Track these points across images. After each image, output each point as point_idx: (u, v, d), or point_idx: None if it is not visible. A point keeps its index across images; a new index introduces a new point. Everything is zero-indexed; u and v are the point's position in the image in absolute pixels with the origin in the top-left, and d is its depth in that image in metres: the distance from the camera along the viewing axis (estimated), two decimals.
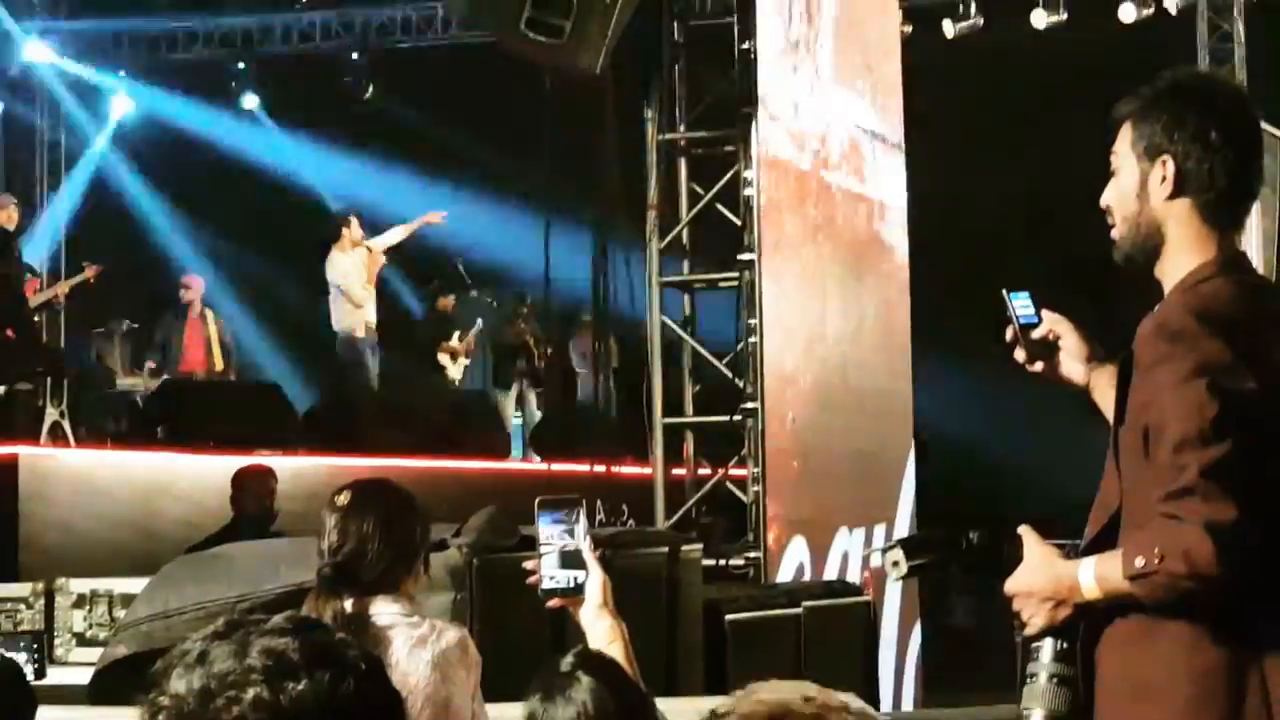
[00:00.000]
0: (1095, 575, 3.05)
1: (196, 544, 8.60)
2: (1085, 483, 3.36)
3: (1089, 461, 3.46)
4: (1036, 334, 3.47)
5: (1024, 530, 3.20)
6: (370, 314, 13.99)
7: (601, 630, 3.17)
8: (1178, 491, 2.92)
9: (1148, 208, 3.20)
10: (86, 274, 13.69)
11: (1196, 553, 2.88)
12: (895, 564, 3.33)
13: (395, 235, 14.42)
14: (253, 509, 9.04)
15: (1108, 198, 3.27)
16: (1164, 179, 3.18)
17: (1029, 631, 3.17)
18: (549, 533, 3.18)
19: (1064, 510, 3.54)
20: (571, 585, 3.17)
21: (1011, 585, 3.17)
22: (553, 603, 3.22)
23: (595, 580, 3.17)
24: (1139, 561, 2.94)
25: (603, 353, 12.30)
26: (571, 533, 3.17)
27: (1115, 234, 3.27)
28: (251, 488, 9.14)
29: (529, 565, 3.21)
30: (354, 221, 14.06)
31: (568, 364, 15.91)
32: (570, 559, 3.17)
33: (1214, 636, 3.01)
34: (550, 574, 3.18)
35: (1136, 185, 3.21)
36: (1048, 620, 3.13)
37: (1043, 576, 3.13)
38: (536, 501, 3.21)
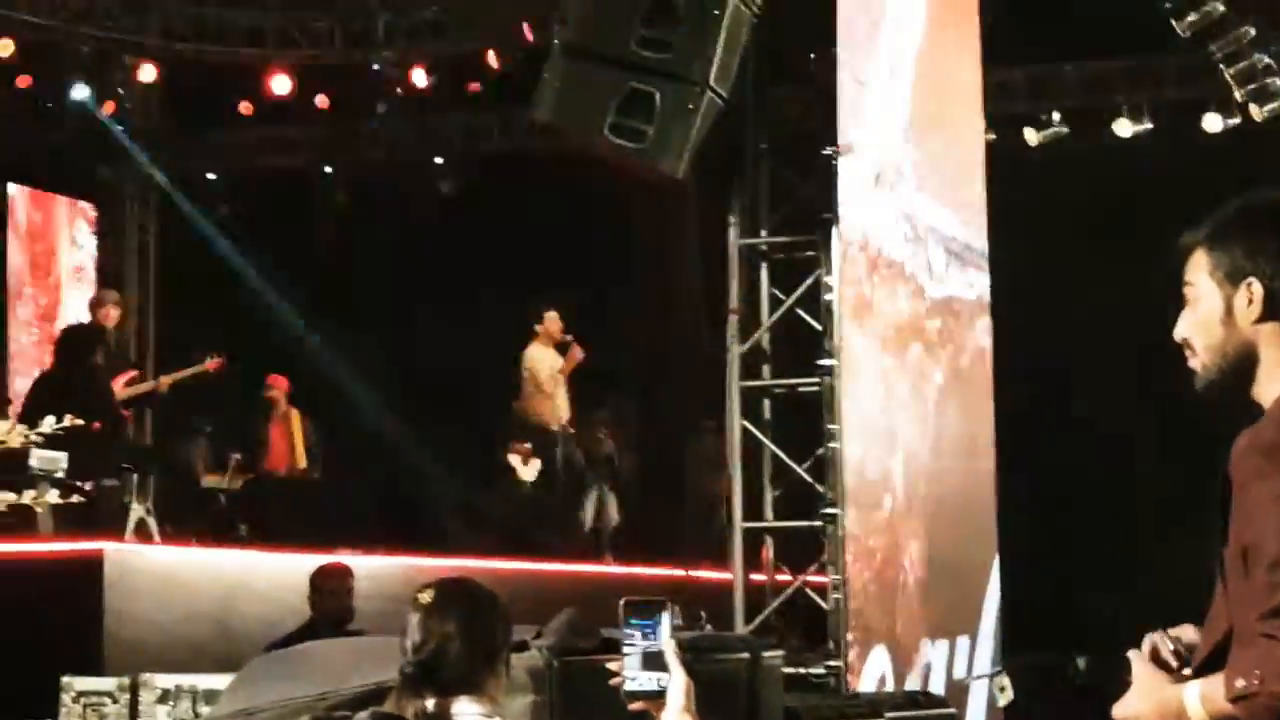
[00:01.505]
0: (1201, 698, 3.00)
1: (275, 642, 8.64)
2: (1180, 596, 3.32)
3: (1184, 575, 3.42)
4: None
5: (1133, 655, 3.15)
6: (561, 407, 14.20)
7: None
8: (1274, 610, 2.87)
9: (1235, 332, 3.13)
10: (207, 365, 13.65)
11: None
12: (1002, 689, 3.30)
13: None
14: (330, 608, 9.08)
15: (1184, 330, 3.20)
16: (1250, 301, 3.12)
17: None
18: (633, 633, 3.18)
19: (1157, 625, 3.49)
20: (655, 688, 3.16)
21: (1120, 710, 3.11)
22: (635, 705, 3.19)
23: (678, 684, 3.15)
24: (1240, 683, 2.89)
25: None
26: (656, 634, 3.17)
27: (1197, 365, 3.19)
28: (329, 586, 9.18)
29: (612, 666, 3.21)
30: (551, 316, 14.25)
31: (681, 465, 15.97)
32: (654, 661, 3.15)
33: None
34: (633, 675, 3.16)
35: (1220, 311, 3.14)
36: None
37: (1150, 701, 3.08)
38: (622, 602, 3.20)
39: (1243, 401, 3.16)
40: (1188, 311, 3.21)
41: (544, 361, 14.19)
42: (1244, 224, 3.18)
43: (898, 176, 10.25)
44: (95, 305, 13.16)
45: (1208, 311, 3.18)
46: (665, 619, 3.17)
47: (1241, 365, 3.15)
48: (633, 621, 3.17)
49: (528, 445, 15.49)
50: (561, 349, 14.39)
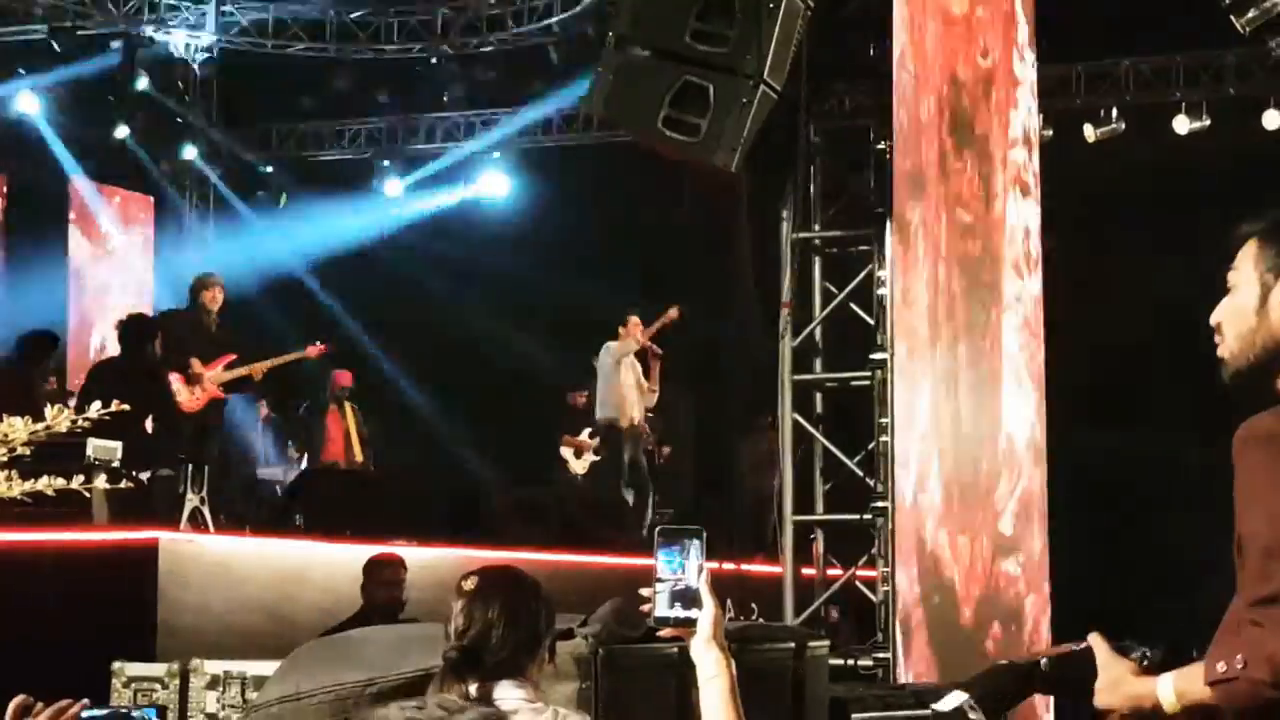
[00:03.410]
0: (1175, 690, 3.04)
1: (327, 631, 8.69)
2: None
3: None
4: None
5: (1094, 640, 3.18)
6: (630, 404, 14.29)
7: (709, 663, 3.20)
8: (1264, 599, 2.89)
9: (1266, 323, 3.14)
10: (308, 351, 13.72)
11: None
12: (972, 708, 3.32)
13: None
14: (382, 598, 9.09)
15: (1219, 315, 3.21)
16: None
17: None
18: (666, 563, 3.23)
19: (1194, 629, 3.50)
20: (685, 615, 3.21)
21: (1096, 702, 3.15)
22: (665, 631, 3.26)
23: (707, 613, 3.21)
24: (1220, 666, 2.91)
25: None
26: (688, 564, 3.22)
27: (1224, 351, 3.20)
28: (381, 576, 9.19)
29: (644, 592, 3.27)
30: (634, 320, 14.40)
31: (735, 459, 16.01)
32: (685, 589, 3.21)
33: None
34: (665, 603, 3.22)
35: (1256, 302, 3.15)
36: None
37: (1118, 695, 3.13)
38: (657, 531, 3.27)
39: (1265, 393, 3.14)
40: (1227, 298, 3.22)
41: (613, 355, 14.31)
42: None
43: (956, 166, 10.21)
44: (200, 288, 13.12)
45: (1244, 300, 3.18)
46: (697, 549, 3.22)
47: (1267, 357, 3.14)
48: (665, 551, 3.22)
49: (580, 438, 15.54)
50: (640, 354, 14.47)
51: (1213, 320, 3.23)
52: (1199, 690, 2.96)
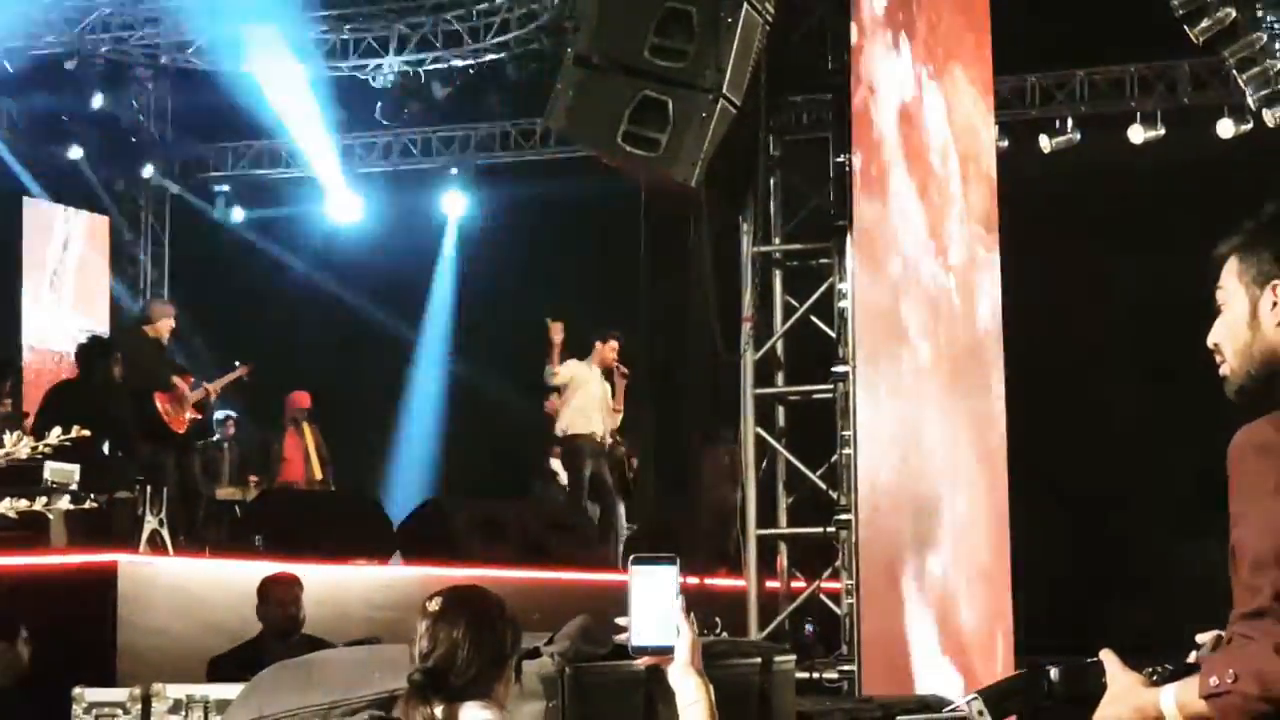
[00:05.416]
0: (1176, 700, 3.03)
1: (222, 655, 8.53)
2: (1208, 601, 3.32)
3: (1208, 579, 3.41)
4: None
5: (1105, 655, 3.17)
6: (595, 421, 14.17)
7: (688, 689, 3.20)
8: (1252, 612, 2.90)
9: (1260, 335, 3.14)
10: (240, 372, 13.89)
11: (1269, 674, 2.85)
12: (980, 713, 3.30)
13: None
14: (276, 617, 8.83)
15: (1216, 335, 3.21)
16: (1275, 304, 3.12)
17: None
18: (640, 590, 3.19)
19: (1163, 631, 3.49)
20: (661, 643, 3.18)
21: (1098, 716, 3.15)
22: (642, 660, 3.24)
23: (684, 640, 3.20)
24: (1213, 680, 2.92)
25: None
26: (663, 592, 3.18)
27: (1226, 370, 3.19)
28: (275, 596, 8.94)
29: (620, 621, 3.23)
30: (611, 345, 14.25)
31: (697, 473, 15.95)
32: (660, 617, 3.19)
33: None
34: (641, 631, 3.19)
35: (1247, 314, 3.15)
36: None
37: (1126, 706, 3.11)
38: (631, 559, 3.24)
39: (1271, 404, 3.12)
40: (1220, 317, 3.22)
41: (573, 374, 14.22)
42: (1273, 229, 3.18)
43: (912, 181, 10.23)
44: (153, 317, 13.15)
45: (1236, 315, 3.18)
46: (672, 576, 3.19)
47: (1266, 369, 3.13)
48: (640, 579, 3.19)
49: None
50: (608, 374, 14.39)
51: (1210, 342, 3.21)
52: (1198, 702, 2.97)
